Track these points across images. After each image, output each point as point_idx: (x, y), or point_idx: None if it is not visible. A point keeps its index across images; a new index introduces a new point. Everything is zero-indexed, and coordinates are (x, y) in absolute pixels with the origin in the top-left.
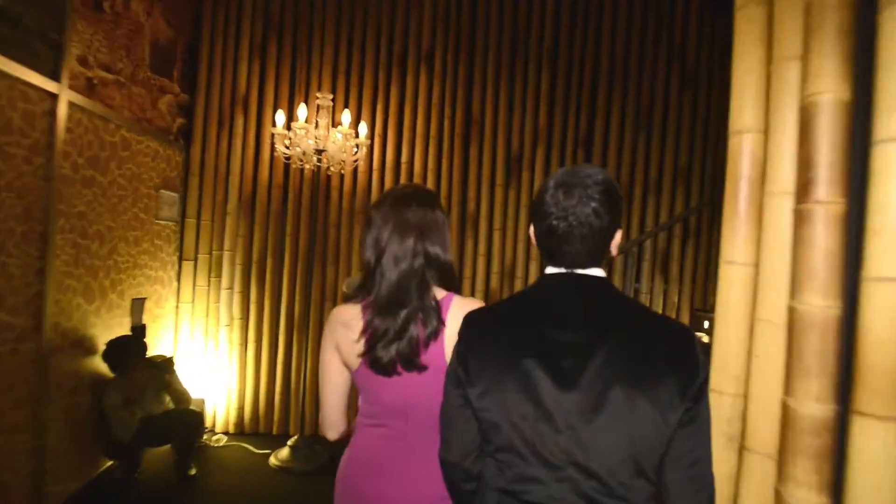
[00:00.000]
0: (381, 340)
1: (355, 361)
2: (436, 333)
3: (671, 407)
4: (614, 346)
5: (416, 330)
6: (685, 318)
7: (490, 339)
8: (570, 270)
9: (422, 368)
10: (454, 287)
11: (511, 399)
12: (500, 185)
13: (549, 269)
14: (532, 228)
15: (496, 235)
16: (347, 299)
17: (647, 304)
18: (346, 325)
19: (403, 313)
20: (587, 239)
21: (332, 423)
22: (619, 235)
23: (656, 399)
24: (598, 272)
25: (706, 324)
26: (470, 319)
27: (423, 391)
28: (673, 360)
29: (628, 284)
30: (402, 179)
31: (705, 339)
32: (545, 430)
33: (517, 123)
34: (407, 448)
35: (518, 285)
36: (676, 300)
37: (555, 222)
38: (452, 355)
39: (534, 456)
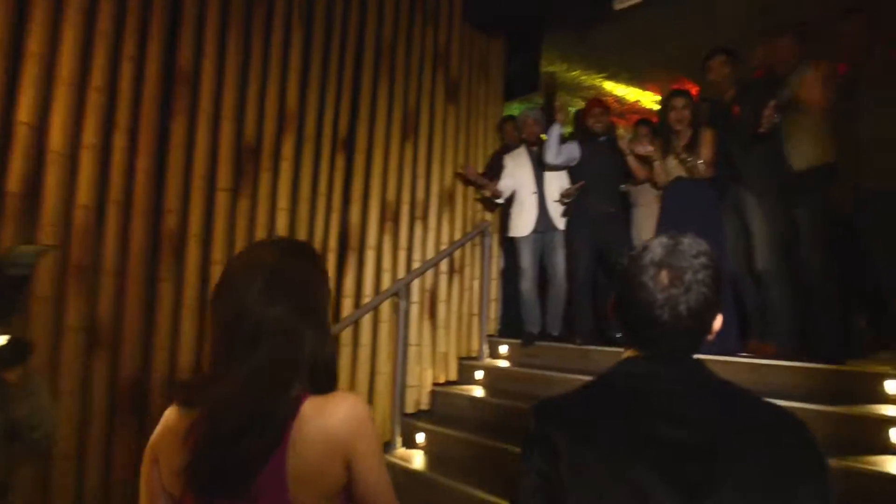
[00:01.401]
0: (210, 445)
1: (177, 483)
2: (266, 452)
3: None
4: (740, 448)
5: (253, 439)
6: (453, 371)
7: (585, 439)
8: (664, 355)
9: (248, 499)
10: (328, 388)
11: None
12: (225, 190)
13: (631, 353)
14: (613, 301)
15: (214, 272)
16: None
17: (418, 358)
18: (174, 429)
19: (242, 413)
20: (693, 330)
21: None
22: (719, 320)
23: None
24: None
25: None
26: (546, 414)
27: None
28: (804, 463)
29: (401, 336)
30: (19, 153)
31: None
32: None
33: (254, 98)
34: None
35: None
36: (445, 350)
37: (658, 312)
38: (530, 457)
39: None
